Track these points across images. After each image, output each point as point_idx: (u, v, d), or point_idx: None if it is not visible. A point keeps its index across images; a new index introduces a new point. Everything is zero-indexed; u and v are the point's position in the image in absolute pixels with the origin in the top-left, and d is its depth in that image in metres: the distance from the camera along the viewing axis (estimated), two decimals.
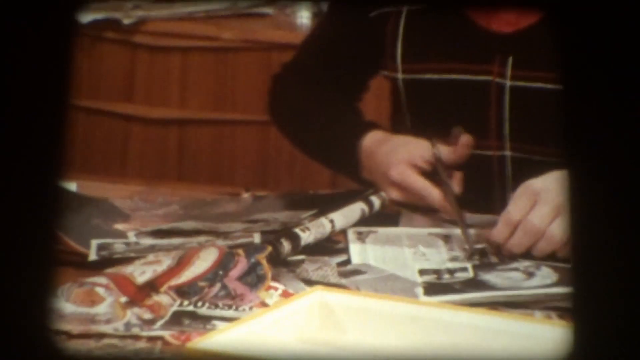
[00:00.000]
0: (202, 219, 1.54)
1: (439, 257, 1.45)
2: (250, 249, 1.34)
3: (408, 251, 1.46)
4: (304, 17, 2.78)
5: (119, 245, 1.42)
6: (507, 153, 1.58)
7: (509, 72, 1.56)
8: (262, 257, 1.31)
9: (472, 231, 1.47)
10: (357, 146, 1.61)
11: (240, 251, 1.32)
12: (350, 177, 1.72)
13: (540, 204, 1.34)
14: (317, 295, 1.21)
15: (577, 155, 0.86)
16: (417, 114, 1.62)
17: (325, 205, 1.54)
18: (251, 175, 2.61)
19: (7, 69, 0.90)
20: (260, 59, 2.63)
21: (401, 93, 1.63)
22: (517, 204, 1.37)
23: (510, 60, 1.55)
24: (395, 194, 1.53)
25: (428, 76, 1.61)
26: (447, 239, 1.50)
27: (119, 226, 1.48)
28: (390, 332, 1.21)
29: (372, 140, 1.61)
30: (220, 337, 1.14)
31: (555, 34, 0.87)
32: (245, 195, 1.65)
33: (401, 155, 1.53)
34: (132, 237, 1.45)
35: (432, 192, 1.46)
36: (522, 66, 1.56)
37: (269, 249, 1.33)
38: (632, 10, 0.83)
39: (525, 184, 1.40)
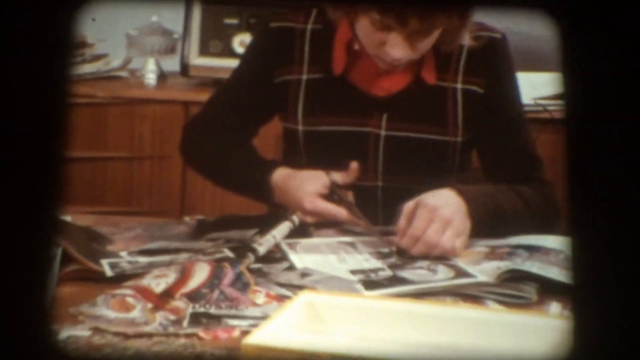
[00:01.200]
0: (166, 239, 1.78)
1: (355, 260, 1.72)
2: (233, 262, 1.59)
3: (332, 257, 1.73)
4: (150, 79, 3.21)
5: (124, 264, 1.62)
6: (380, 184, 1.94)
7: (383, 125, 1.91)
8: (243, 268, 1.58)
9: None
10: (267, 182, 1.89)
11: (226, 264, 1.58)
12: (263, 202, 2.01)
13: (435, 221, 1.69)
14: (304, 296, 1.45)
15: (578, 159, 0.90)
16: (313, 156, 1.94)
17: (257, 224, 1.83)
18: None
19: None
20: (125, 110, 3.18)
21: (300, 140, 1.93)
22: (418, 222, 1.69)
23: (385, 116, 1.91)
24: (310, 219, 1.85)
25: (323, 128, 1.92)
26: (353, 245, 1.80)
27: (110, 248, 1.73)
28: (368, 324, 1.42)
29: (279, 176, 1.90)
30: (256, 335, 1.30)
31: (556, 34, 0.91)
32: (187, 219, 1.94)
33: (308, 189, 1.83)
34: (126, 256, 1.66)
35: (339, 212, 1.81)
36: (394, 120, 1.91)
37: (246, 261, 1.64)
38: (632, 10, 0.89)
39: (420, 200, 1.72)
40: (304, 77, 1.93)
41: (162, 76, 3.36)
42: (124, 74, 3.40)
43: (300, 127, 1.94)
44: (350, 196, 1.85)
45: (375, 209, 1.92)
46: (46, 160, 0.99)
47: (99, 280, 1.57)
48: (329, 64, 1.93)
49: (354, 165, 1.85)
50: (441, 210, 1.70)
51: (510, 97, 1.96)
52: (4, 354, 1.00)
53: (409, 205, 1.72)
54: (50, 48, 0.96)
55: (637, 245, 0.89)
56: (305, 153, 1.95)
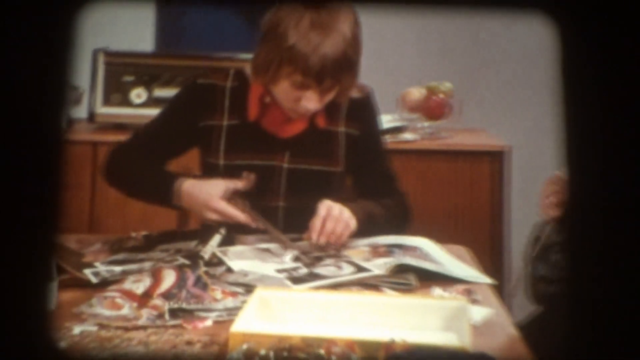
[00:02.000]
0: (124, 252, 1.89)
1: (276, 262, 1.87)
2: (192, 267, 1.73)
3: (257, 260, 1.88)
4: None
5: (104, 272, 1.73)
6: (281, 204, 2.12)
7: (286, 160, 2.11)
8: (201, 272, 1.73)
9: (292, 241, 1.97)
10: (176, 189, 2.02)
11: (187, 269, 1.71)
12: (172, 207, 2.11)
13: (340, 222, 1.94)
14: (259, 291, 1.59)
15: (576, 157, 0.81)
16: None
17: (194, 237, 1.98)
18: None
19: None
20: None
21: (220, 172, 2.07)
22: (330, 223, 1.92)
23: (287, 153, 2.11)
24: (215, 217, 2.00)
25: (239, 162, 2.09)
26: (269, 250, 1.96)
27: (85, 260, 1.83)
28: (308, 311, 1.56)
29: (186, 184, 2.02)
30: (236, 324, 1.39)
31: (556, 34, 0.82)
32: (134, 235, 2.05)
33: (212, 192, 2.00)
34: (101, 266, 1.76)
35: (239, 215, 1.99)
36: (294, 156, 2.12)
37: (202, 267, 1.79)
38: (632, 10, 0.80)
39: (329, 208, 1.94)
40: (225, 123, 2.09)
41: (70, 122, 3.36)
42: None
43: (222, 162, 2.09)
44: (246, 204, 2.02)
45: (277, 223, 2.08)
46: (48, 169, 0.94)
47: (86, 286, 1.67)
48: (245, 113, 2.11)
49: (250, 176, 2.04)
50: (343, 214, 1.94)
51: (377, 137, 2.23)
52: (7, 354, 0.97)
53: (321, 212, 1.93)
54: (50, 49, 0.90)
55: (635, 245, 0.82)
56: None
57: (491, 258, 3.19)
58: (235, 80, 2.12)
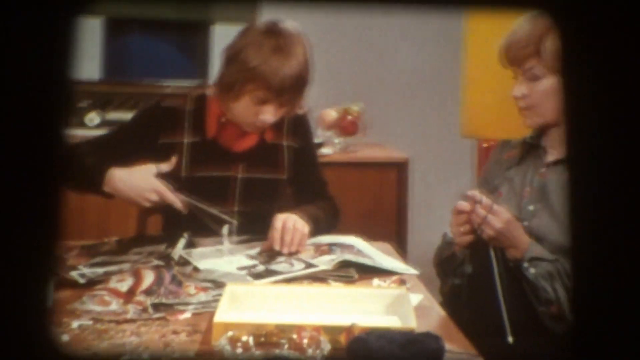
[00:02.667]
0: (102, 255, 1.89)
1: (233, 261, 1.90)
2: (167, 267, 1.76)
3: (218, 260, 1.90)
4: None
5: (89, 274, 1.73)
6: (236, 209, 2.16)
7: (240, 171, 2.15)
8: (175, 271, 1.76)
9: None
10: (107, 173, 1.96)
11: (163, 269, 1.74)
12: (101, 196, 2.00)
13: (297, 230, 1.98)
14: (229, 286, 1.63)
15: (577, 155, 0.75)
16: (192, 193, 2.06)
17: (162, 241, 1.99)
18: None
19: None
20: None
21: (182, 183, 2.07)
22: (287, 235, 1.96)
23: (241, 165, 2.15)
24: (153, 199, 1.96)
25: (199, 174, 2.11)
26: (229, 251, 1.98)
27: (69, 264, 1.82)
28: (271, 302, 1.60)
29: (118, 170, 1.97)
30: (217, 316, 1.42)
31: (556, 34, 0.76)
32: (106, 240, 2.05)
33: (149, 174, 1.98)
34: (85, 269, 1.76)
35: (174, 198, 1.98)
36: (247, 167, 2.16)
37: (176, 267, 1.82)
38: (632, 10, 0.74)
39: (285, 220, 1.98)
40: (186, 140, 2.12)
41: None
42: None
43: (184, 174, 2.11)
44: (170, 186, 2.00)
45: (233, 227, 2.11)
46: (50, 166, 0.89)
47: (75, 286, 1.68)
48: (204, 131, 2.14)
49: (173, 159, 2.05)
50: (297, 224, 2.00)
51: (312, 148, 2.31)
52: (10, 353, 0.94)
53: (277, 225, 1.98)
54: (50, 49, 0.84)
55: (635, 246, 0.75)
56: (186, 193, 2.07)
57: (397, 253, 3.28)
58: (194, 103, 2.16)
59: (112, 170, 1.97)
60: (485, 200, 1.79)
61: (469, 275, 1.95)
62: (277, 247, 1.97)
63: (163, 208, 2.09)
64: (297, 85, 2.00)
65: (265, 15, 2.17)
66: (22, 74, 0.83)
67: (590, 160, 0.75)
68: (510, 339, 1.73)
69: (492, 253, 1.81)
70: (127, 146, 2.13)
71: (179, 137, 2.13)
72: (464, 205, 1.80)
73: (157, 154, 2.11)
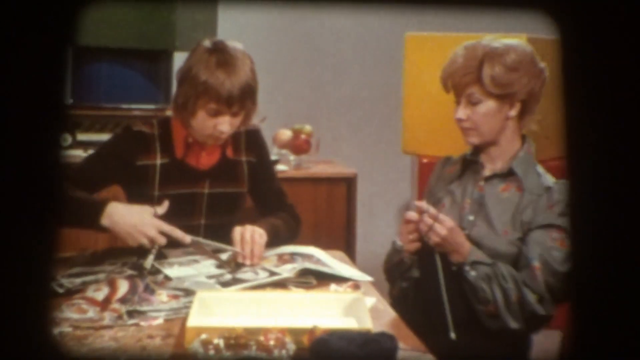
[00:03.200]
0: (79, 266, 1.86)
1: (202, 270, 1.89)
2: (140, 277, 1.73)
3: (188, 268, 1.89)
4: None
5: (67, 284, 1.70)
6: (202, 222, 2.14)
7: (207, 186, 2.13)
8: (148, 280, 1.74)
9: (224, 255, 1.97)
10: (105, 209, 1.88)
11: (137, 279, 1.72)
12: (97, 230, 1.91)
13: (257, 240, 1.97)
14: (199, 294, 1.62)
15: (577, 155, 0.71)
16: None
17: (134, 253, 1.95)
18: None
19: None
20: None
21: (154, 201, 2.04)
22: (247, 246, 1.95)
23: (207, 181, 2.13)
24: (151, 235, 1.87)
25: (170, 192, 2.08)
26: (196, 261, 1.97)
27: None
28: (238, 307, 1.60)
29: (117, 205, 1.90)
30: (190, 321, 1.42)
31: (556, 34, 0.71)
32: (82, 253, 2.01)
33: (147, 214, 1.91)
34: (62, 279, 1.73)
35: (178, 232, 1.93)
36: (212, 183, 2.14)
37: (149, 276, 1.79)
38: (631, 10, 0.70)
39: (243, 231, 1.97)
40: (158, 162, 2.09)
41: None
42: None
43: (156, 192, 2.08)
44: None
45: (200, 237, 2.06)
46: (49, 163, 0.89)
47: (54, 295, 1.63)
48: (173, 153, 2.11)
49: (165, 203, 1.98)
50: (254, 235, 1.99)
51: (269, 162, 2.30)
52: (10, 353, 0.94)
53: (236, 238, 1.97)
54: (50, 49, 0.81)
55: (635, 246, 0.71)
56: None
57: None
58: (159, 128, 2.13)
59: (112, 204, 1.90)
60: (432, 210, 1.82)
61: (415, 279, 1.99)
62: (239, 259, 1.96)
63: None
64: (245, 94, 1.99)
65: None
66: (21, 71, 0.81)
67: (589, 160, 0.71)
68: (453, 335, 1.77)
69: (438, 258, 1.84)
70: (109, 172, 2.08)
71: (152, 159, 2.09)
72: (413, 215, 1.84)
73: (135, 175, 2.08)
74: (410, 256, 1.94)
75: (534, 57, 1.91)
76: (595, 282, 0.70)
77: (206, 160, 2.14)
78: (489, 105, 1.90)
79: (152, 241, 1.90)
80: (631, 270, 0.69)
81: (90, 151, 2.28)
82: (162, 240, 1.90)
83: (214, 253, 1.99)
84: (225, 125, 2.03)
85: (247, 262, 1.95)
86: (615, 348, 0.71)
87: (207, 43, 2.02)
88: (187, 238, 1.93)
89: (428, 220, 1.80)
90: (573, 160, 0.72)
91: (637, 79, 0.70)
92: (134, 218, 1.90)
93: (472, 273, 1.82)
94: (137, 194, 2.09)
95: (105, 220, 1.88)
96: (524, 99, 1.91)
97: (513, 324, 1.80)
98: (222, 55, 1.98)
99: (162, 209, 1.96)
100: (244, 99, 2.00)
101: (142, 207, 1.95)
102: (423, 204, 1.83)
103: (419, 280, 1.98)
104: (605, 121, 0.71)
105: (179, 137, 2.11)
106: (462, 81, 1.91)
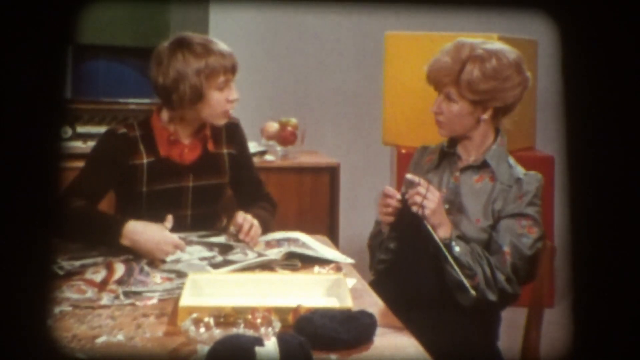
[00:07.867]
0: (75, 251, 1.82)
1: (194, 252, 1.86)
2: (137, 260, 1.74)
3: (181, 252, 1.85)
4: None
5: (67, 266, 1.69)
6: (189, 212, 2.12)
7: (191, 180, 2.12)
8: (143, 263, 1.74)
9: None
10: (124, 229, 1.83)
11: (133, 262, 1.72)
12: (116, 248, 1.84)
13: (255, 225, 1.99)
14: (191, 276, 1.62)
15: (578, 158, 0.67)
16: (151, 204, 2.04)
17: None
18: None
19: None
20: None
21: (143, 197, 2.03)
22: (246, 228, 1.97)
23: (191, 175, 2.11)
24: (170, 250, 1.83)
25: (157, 187, 2.06)
26: (189, 243, 1.93)
27: None
28: (229, 288, 1.60)
29: (135, 224, 1.85)
30: (182, 301, 1.43)
31: (556, 34, 0.68)
32: None
33: (164, 230, 1.88)
34: (63, 262, 1.71)
35: (182, 244, 1.89)
36: (196, 176, 2.12)
37: (144, 260, 1.79)
38: (631, 11, 0.67)
39: (239, 216, 1.99)
40: (145, 161, 2.06)
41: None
42: None
43: (145, 189, 2.06)
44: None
45: (187, 227, 2.09)
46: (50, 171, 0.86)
47: (57, 277, 1.64)
48: (158, 151, 2.08)
49: (169, 218, 1.94)
50: (254, 220, 2.00)
51: (248, 153, 2.28)
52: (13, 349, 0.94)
53: (238, 220, 1.98)
54: (51, 47, 0.79)
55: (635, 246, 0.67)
56: (146, 204, 2.05)
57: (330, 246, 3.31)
58: (140, 129, 2.10)
59: (130, 223, 1.85)
60: (423, 181, 1.82)
61: (392, 251, 1.98)
62: (241, 237, 1.97)
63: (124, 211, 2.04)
64: (234, 61, 2.04)
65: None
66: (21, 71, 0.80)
67: (589, 159, 0.68)
68: (473, 293, 1.78)
69: (429, 226, 1.80)
70: (109, 178, 2.05)
71: (139, 158, 2.06)
72: (391, 190, 1.84)
73: (126, 175, 2.05)
74: (385, 227, 1.94)
75: (519, 65, 1.89)
76: (596, 282, 0.69)
77: (189, 155, 2.12)
78: (462, 106, 1.91)
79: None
80: (631, 270, 0.67)
81: (89, 144, 2.25)
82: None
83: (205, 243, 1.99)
84: (234, 92, 2.05)
85: (248, 239, 1.96)
86: (615, 348, 0.69)
87: (173, 45, 2.00)
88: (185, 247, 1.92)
89: (422, 190, 1.79)
90: (573, 160, 0.69)
91: (637, 79, 0.67)
92: (154, 237, 1.85)
93: (457, 249, 1.81)
94: (126, 193, 2.07)
95: (125, 241, 1.84)
96: (499, 105, 1.91)
97: (491, 297, 1.81)
98: (193, 39, 2.01)
99: (169, 223, 1.93)
100: (234, 65, 2.03)
101: (156, 225, 1.90)
102: (414, 177, 1.82)
103: (395, 253, 1.97)
104: (605, 121, 0.68)
105: (161, 136, 2.09)
106: (443, 80, 1.91)
